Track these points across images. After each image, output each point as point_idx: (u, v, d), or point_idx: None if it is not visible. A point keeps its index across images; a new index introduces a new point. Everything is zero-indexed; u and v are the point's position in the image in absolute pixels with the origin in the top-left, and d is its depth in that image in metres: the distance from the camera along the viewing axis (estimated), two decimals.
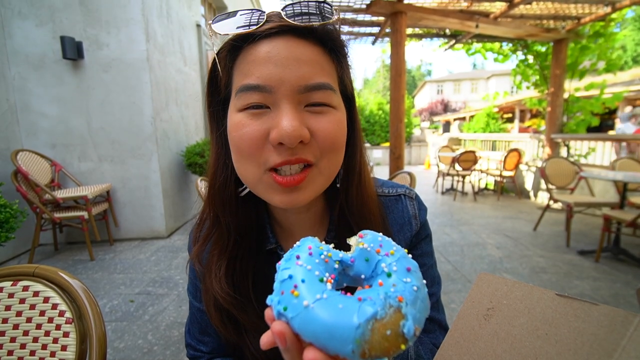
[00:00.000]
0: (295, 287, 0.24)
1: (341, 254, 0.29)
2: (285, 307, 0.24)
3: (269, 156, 0.41)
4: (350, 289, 0.30)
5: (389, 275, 0.26)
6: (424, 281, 0.26)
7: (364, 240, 0.30)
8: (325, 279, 0.25)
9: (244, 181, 0.46)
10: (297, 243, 0.30)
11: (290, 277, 0.25)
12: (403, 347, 0.22)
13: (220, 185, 0.49)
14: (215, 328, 0.52)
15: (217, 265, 0.50)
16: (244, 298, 0.51)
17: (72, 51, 3.33)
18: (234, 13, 0.42)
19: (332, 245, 0.30)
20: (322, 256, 0.28)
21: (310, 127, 0.41)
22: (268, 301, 0.26)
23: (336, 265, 0.28)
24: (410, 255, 0.28)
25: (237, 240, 0.50)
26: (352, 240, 0.31)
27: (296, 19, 0.41)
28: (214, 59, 0.46)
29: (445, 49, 6.44)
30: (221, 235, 0.51)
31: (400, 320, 0.22)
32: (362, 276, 0.28)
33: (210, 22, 0.42)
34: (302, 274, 0.25)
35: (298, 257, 0.27)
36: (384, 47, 6.72)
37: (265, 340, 0.26)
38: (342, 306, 0.22)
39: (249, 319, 0.51)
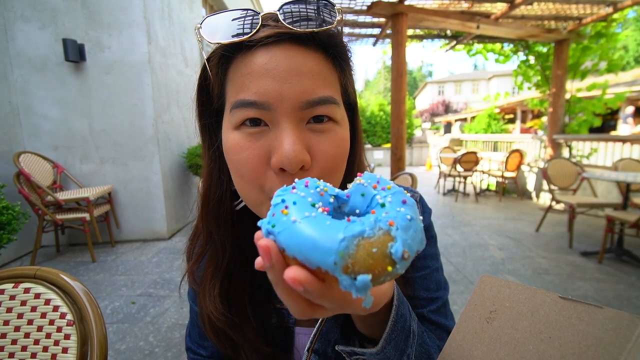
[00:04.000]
0: (287, 207, 0.24)
1: (337, 190, 0.29)
2: (274, 224, 0.24)
3: (272, 185, 0.38)
4: None
5: (382, 205, 0.25)
6: (421, 217, 0.25)
7: (362, 178, 0.29)
8: (317, 205, 0.25)
9: (246, 202, 0.43)
10: (296, 180, 0.30)
11: (283, 200, 0.25)
12: (390, 268, 0.21)
13: (215, 203, 0.46)
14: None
15: (211, 284, 0.48)
16: (241, 315, 0.49)
17: (74, 53, 3.35)
18: (225, 14, 0.38)
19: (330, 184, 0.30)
20: (318, 189, 0.28)
21: (312, 148, 0.38)
22: (258, 223, 0.26)
23: (331, 200, 0.28)
24: (409, 194, 0.28)
25: (232, 257, 0.48)
26: (350, 184, 0.30)
27: (295, 23, 0.37)
28: (204, 66, 0.42)
29: (446, 50, 6.44)
30: (215, 253, 0.48)
31: (389, 241, 0.22)
32: (357, 211, 0.28)
33: (199, 25, 0.38)
34: (294, 198, 0.25)
35: (294, 188, 0.27)
36: (385, 49, 6.73)
37: (257, 260, 0.25)
38: (329, 223, 0.22)
39: (245, 337, 0.49)
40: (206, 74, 0.43)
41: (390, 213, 0.23)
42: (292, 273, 0.22)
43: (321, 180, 0.29)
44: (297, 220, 0.23)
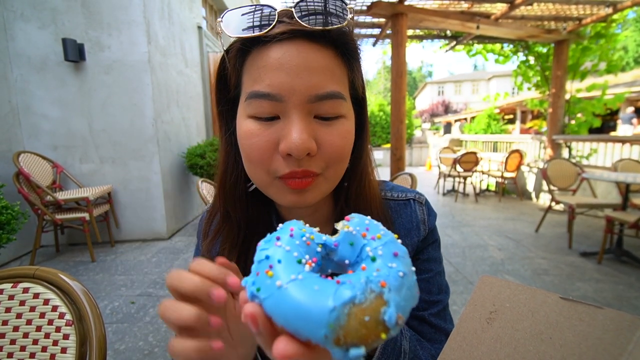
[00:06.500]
0: (271, 267, 0.23)
1: (324, 237, 0.28)
2: (259, 288, 0.22)
3: (278, 167, 0.41)
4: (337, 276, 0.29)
5: (373, 259, 0.24)
6: (413, 269, 0.24)
7: (349, 224, 0.28)
8: (304, 260, 0.24)
9: (255, 183, 0.46)
10: (280, 225, 0.28)
11: (267, 257, 0.24)
12: (383, 336, 0.20)
13: (232, 184, 0.50)
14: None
15: (228, 259, 0.51)
16: None
17: (74, 53, 3.35)
18: (244, 10, 0.40)
19: (317, 229, 0.29)
20: (304, 238, 0.26)
21: (318, 138, 0.41)
22: (242, 283, 0.24)
23: (319, 249, 0.27)
24: (399, 241, 0.26)
25: (247, 235, 0.51)
26: (339, 225, 0.28)
27: (309, 21, 0.39)
28: (223, 57, 0.45)
29: (446, 51, 6.44)
30: (231, 230, 0.51)
31: (381, 306, 0.21)
32: (346, 261, 0.27)
33: (220, 20, 0.41)
34: (279, 255, 0.24)
35: (278, 239, 0.26)
36: (385, 49, 6.73)
37: (244, 319, 0.24)
38: (317, 288, 0.21)
39: None
40: (225, 64, 0.45)
41: (382, 270, 0.22)
42: (282, 349, 0.21)
43: (306, 226, 0.28)
44: (282, 286, 0.21)
